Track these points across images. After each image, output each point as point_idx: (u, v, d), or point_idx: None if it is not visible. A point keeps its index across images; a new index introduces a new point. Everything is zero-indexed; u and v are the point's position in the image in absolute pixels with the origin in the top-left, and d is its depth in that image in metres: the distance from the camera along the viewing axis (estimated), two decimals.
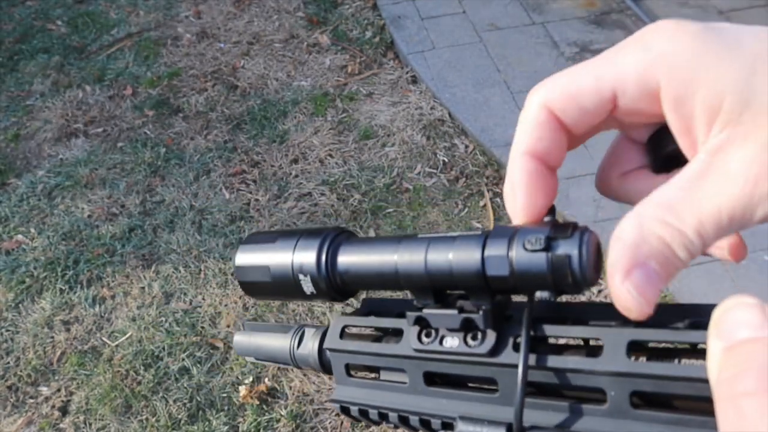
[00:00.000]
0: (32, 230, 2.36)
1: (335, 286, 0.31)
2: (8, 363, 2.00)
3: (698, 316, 0.25)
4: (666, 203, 0.22)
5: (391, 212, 2.31)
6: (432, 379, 0.30)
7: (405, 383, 0.31)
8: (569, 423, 0.26)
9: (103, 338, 2.04)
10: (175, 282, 2.15)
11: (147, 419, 1.84)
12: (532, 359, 0.27)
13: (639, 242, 0.23)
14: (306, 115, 2.69)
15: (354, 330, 0.34)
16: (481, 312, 0.28)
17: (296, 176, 2.46)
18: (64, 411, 1.89)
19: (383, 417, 0.32)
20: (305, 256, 0.31)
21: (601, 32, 2.89)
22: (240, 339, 0.39)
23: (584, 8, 3.02)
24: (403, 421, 0.31)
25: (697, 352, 0.24)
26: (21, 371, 1.98)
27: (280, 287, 0.32)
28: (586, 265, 0.25)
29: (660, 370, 0.24)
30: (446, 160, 2.45)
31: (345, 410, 0.33)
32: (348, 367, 0.33)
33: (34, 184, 2.53)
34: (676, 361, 0.24)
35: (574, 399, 0.26)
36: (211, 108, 2.77)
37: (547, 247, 0.25)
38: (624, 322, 0.25)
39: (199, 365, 1.94)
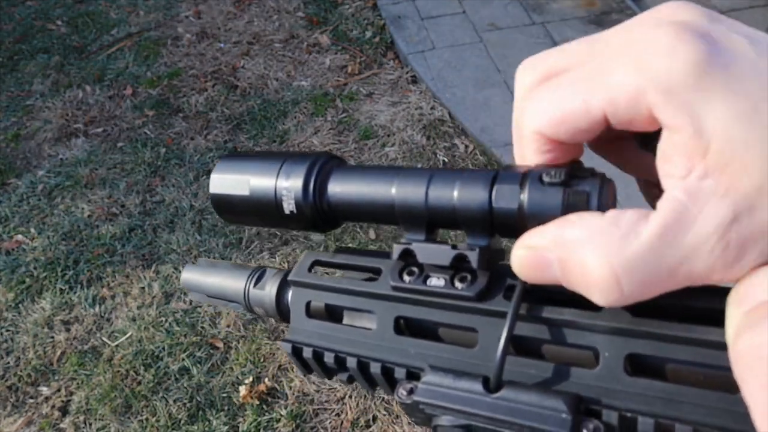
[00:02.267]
0: (32, 230, 2.36)
1: (320, 212, 0.28)
2: (8, 363, 2.00)
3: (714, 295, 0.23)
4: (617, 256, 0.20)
5: None
6: (401, 329, 0.28)
7: (370, 329, 0.28)
8: (553, 384, 0.23)
9: (103, 338, 2.04)
10: (175, 282, 2.15)
11: (147, 419, 1.84)
12: (524, 309, 0.24)
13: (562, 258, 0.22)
14: (306, 115, 2.70)
15: (329, 264, 0.32)
16: (477, 249, 0.25)
17: None
18: (64, 411, 1.90)
19: (340, 363, 0.29)
20: (292, 178, 0.28)
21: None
22: (189, 274, 0.36)
23: (584, 8, 3.02)
24: (362, 368, 0.28)
25: (710, 320, 0.21)
26: (21, 371, 1.98)
27: (258, 205, 0.29)
28: (605, 207, 0.22)
29: (665, 329, 0.22)
30: (446, 160, 2.46)
31: (297, 352, 0.30)
32: (309, 307, 0.30)
33: (34, 184, 2.53)
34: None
35: (561, 362, 0.24)
36: (211, 108, 2.77)
37: (566, 182, 0.23)
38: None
39: (199, 365, 1.94)
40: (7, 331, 2.08)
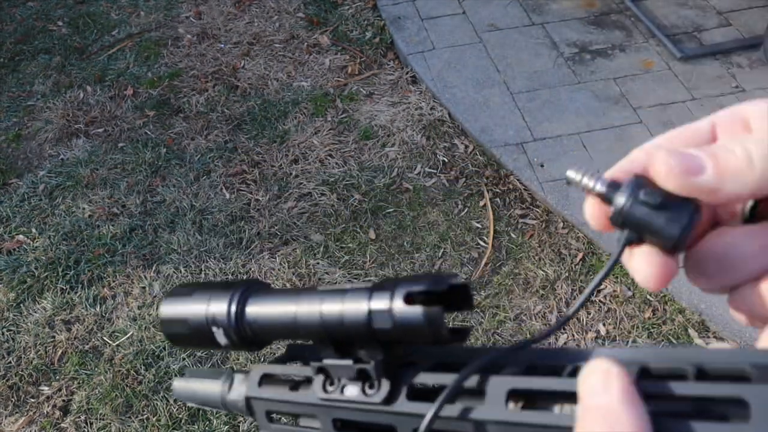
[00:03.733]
0: (33, 230, 2.36)
1: (246, 337, 0.32)
2: (9, 362, 2.01)
3: (579, 360, 0.26)
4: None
5: (391, 212, 2.32)
6: (341, 425, 0.32)
7: (319, 429, 0.32)
8: None
9: (104, 338, 2.04)
10: (176, 282, 2.16)
11: (148, 419, 1.85)
12: (420, 408, 0.28)
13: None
14: (306, 116, 2.70)
15: (276, 376, 0.36)
16: (372, 362, 0.29)
17: (296, 176, 2.46)
18: (65, 410, 1.90)
19: None
20: (217, 308, 0.32)
21: (600, 33, 2.89)
22: (178, 385, 0.40)
23: (584, 9, 3.02)
24: None
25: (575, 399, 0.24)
26: (22, 371, 1.98)
27: (198, 338, 0.33)
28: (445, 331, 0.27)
29: (535, 418, 0.24)
30: (446, 160, 2.46)
31: None
32: (269, 414, 0.35)
33: (36, 184, 2.53)
34: (557, 408, 0.25)
35: None
36: (211, 108, 2.78)
37: (424, 301, 0.26)
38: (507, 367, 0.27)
39: (199, 365, 1.95)
40: (9, 330, 2.09)
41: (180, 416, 1.84)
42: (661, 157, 0.25)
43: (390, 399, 0.29)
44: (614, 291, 2.02)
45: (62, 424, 1.87)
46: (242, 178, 2.47)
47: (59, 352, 2.02)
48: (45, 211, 2.44)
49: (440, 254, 2.17)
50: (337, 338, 0.29)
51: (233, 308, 0.31)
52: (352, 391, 0.30)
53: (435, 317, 0.26)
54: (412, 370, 0.29)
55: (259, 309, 0.31)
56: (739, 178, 0.24)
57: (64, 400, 1.92)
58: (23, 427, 1.87)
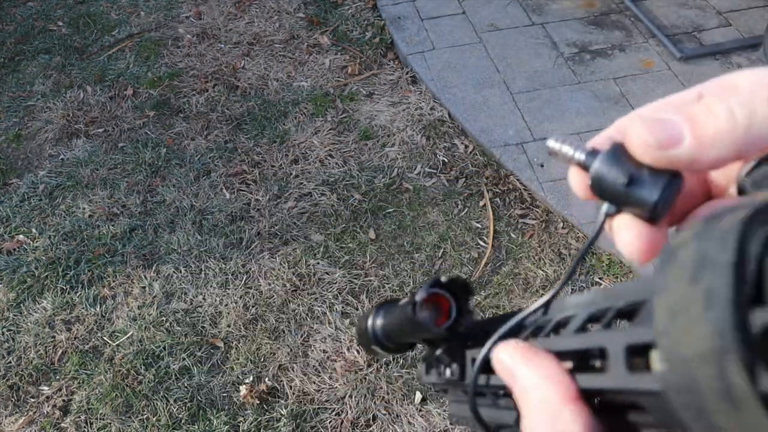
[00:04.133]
0: (33, 230, 2.36)
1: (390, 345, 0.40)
2: (10, 362, 2.01)
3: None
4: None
5: (391, 212, 2.32)
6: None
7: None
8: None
9: (104, 338, 2.04)
10: (176, 282, 2.16)
11: (148, 419, 1.85)
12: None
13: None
14: (306, 116, 2.70)
15: None
16: (441, 352, 0.36)
17: (296, 176, 2.46)
18: (65, 410, 1.90)
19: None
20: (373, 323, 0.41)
21: (600, 33, 2.89)
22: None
23: (583, 9, 3.03)
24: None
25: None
26: (22, 371, 1.98)
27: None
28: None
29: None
30: (446, 160, 2.46)
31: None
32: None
33: (36, 184, 2.53)
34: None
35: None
36: (211, 108, 2.78)
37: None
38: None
39: (199, 365, 1.95)
40: (9, 330, 2.09)
41: (180, 416, 1.84)
42: (636, 129, 0.23)
43: (462, 375, 0.34)
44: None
45: (62, 424, 1.87)
46: (242, 178, 2.48)
47: (59, 352, 2.02)
48: (45, 211, 2.44)
49: (440, 254, 2.17)
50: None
51: (369, 324, 0.40)
52: (448, 372, 0.36)
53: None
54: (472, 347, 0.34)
55: (380, 322, 0.40)
56: (721, 142, 0.22)
57: (64, 400, 1.92)
58: (23, 427, 1.87)
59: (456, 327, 0.33)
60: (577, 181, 0.27)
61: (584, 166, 0.26)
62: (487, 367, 0.29)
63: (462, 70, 2.76)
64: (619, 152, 0.25)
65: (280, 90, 2.83)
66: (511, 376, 0.26)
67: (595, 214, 2.27)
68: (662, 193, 0.23)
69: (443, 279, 0.33)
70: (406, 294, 2.06)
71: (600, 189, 0.25)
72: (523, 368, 0.25)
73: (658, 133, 0.23)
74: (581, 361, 0.25)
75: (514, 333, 0.29)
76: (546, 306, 0.29)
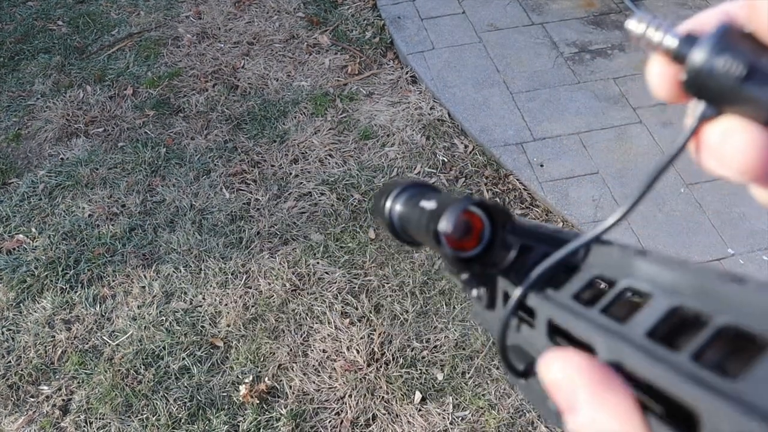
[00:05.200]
0: (33, 230, 2.36)
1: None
2: (9, 362, 2.01)
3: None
4: None
5: None
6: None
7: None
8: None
9: (104, 337, 2.04)
10: (176, 281, 2.16)
11: (147, 418, 1.85)
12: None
13: None
14: (306, 115, 2.70)
15: None
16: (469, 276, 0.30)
17: (296, 176, 2.46)
18: (64, 410, 1.90)
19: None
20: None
21: (600, 33, 2.89)
22: None
23: (583, 9, 3.03)
24: None
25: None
26: (22, 370, 1.98)
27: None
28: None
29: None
30: (446, 159, 2.46)
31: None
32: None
33: (35, 183, 2.53)
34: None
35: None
36: (211, 108, 2.78)
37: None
38: None
39: (199, 364, 1.95)
40: (8, 330, 2.09)
41: (180, 415, 1.85)
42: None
43: (490, 303, 0.30)
44: None
45: (62, 424, 1.87)
46: (242, 178, 2.48)
47: (59, 352, 2.02)
48: (45, 210, 2.44)
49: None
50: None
51: (388, 205, 0.34)
52: (475, 293, 0.31)
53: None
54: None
55: (398, 209, 0.34)
56: None
57: (63, 400, 1.92)
58: (23, 427, 1.87)
59: (484, 258, 0.27)
60: (662, 77, 0.21)
61: (677, 55, 0.20)
62: (522, 306, 0.26)
63: (462, 70, 2.76)
64: (729, 35, 0.19)
65: (280, 90, 2.83)
66: (564, 399, 0.20)
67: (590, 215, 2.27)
68: None
69: (482, 199, 0.27)
70: (405, 288, 2.06)
71: (700, 85, 0.19)
72: (588, 401, 0.19)
73: None
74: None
75: (558, 269, 0.24)
76: (597, 238, 0.24)
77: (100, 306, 2.12)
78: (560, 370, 0.20)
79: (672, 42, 0.20)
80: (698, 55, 0.19)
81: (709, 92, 0.19)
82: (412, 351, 1.94)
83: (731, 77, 0.18)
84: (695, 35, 0.20)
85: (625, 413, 0.18)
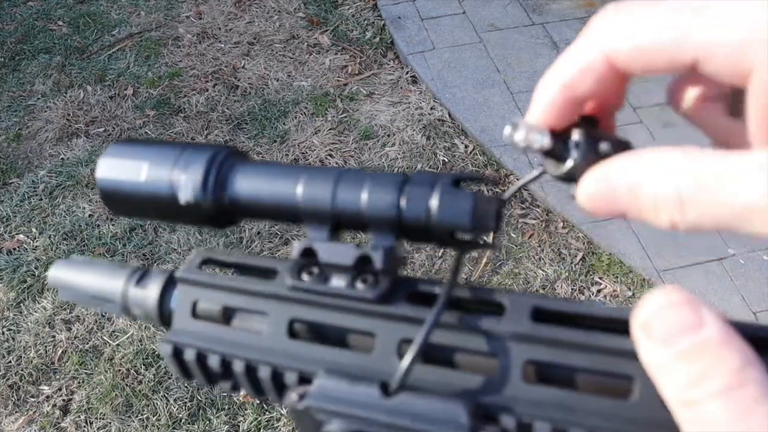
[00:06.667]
0: (33, 230, 2.36)
1: (219, 206, 0.26)
2: (10, 362, 2.01)
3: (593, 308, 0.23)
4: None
5: None
6: (295, 333, 0.26)
7: (261, 332, 0.26)
8: (452, 391, 0.23)
9: (104, 337, 2.04)
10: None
11: (148, 418, 1.85)
12: (426, 312, 0.23)
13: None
14: (306, 115, 2.70)
15: (225, 263, 0.30)
16: (381, 250, 0.25)
17: None
18: (65, 410, 1.90)
19: (225, 366, 0.26)
20: (191, 169, 0.26)
21: None
22: (59, 271, 0.32)
23: (584, 9, 3.03)
24: (250, 373, 0.26)
25: (608, 329, 0.22)
26: (22, 370, 1.99)
27: (152, 194, 0.27)
28: (499, 216, 0.25)
29: (565, 335, 0.22)
30: (446, 160, 2.46)
31: (177, 354, 0.27)
32: (195, 307, 0.28)
33: (36, 183, 2.54)
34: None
35: (462, 369, 0.24)
36: (211, 108, 2.78)
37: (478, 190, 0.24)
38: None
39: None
40: (9, 330, 2.09)
41: (180, 416, 1.85)
42: (582, 193, 0.23)
43: (386, 297, 0.24)
44: (614, 291, 2.02)
45: (62, 424, 1.87)
46: None
47: (59, 352, 2.02)
48: (45, 210, 2.44)
49: (440, 254, 2.17)
50: (346, 219, 0.25)
51: (212, 175, 0.26)
52: (338, 282, 0.25)
53: (484, 206, 0.23)
54: (412, 280, 0.25)
55: (248, 180, 0.26)
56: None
57: (64, 400, 1.92)
58: (23, 427, 1.87)
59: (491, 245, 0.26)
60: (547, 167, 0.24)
61: (552, 154, 0.23)
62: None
63: (462, 70, 2.76)
64: (592, 133, 0.23)
65: (281, 90, 2.83)
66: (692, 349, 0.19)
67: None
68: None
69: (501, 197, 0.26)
70: None
71: (573, 176, 0.23)
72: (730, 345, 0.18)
73: (598, 207, 0.22)
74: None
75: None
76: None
77: None
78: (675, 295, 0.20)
79: (548, 144, 0.23)
80: (574, 159, 0.22)
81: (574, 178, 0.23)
82: None
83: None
84: (563, 134, 0.23)
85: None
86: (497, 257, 2.15)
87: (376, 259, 0.24)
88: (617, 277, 2.05)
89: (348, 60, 2.94)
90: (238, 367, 0.26)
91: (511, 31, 2.94)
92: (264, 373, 0.25)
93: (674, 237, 2.11)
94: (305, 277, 0.25)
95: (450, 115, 2.62)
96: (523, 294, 0.23)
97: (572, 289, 2.04)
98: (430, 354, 0.24)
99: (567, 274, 2.07)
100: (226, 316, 0.28)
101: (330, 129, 2.63)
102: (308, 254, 0.26)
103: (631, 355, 0.20)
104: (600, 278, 2.06)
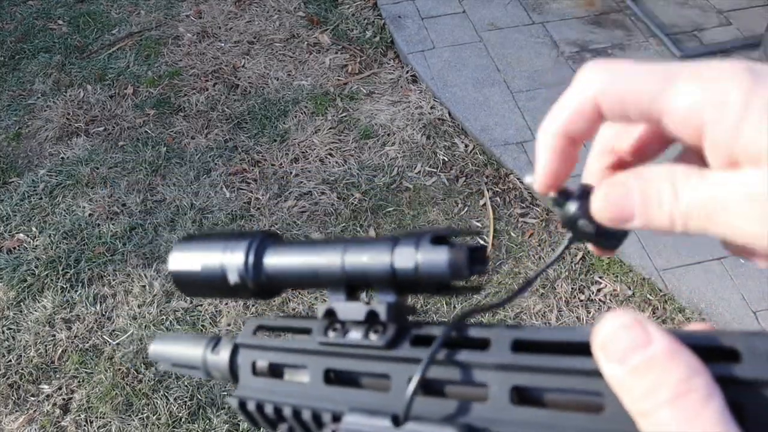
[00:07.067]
0: (34, 229, 2.36)
1: (260, 283, 0.33)
2: (10, 361, 2.01)
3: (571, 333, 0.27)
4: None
5: (391, 211, 2.32)
6: (331, 378, 0.32)
7: (305, 382, 0.32)
8: (450, 417, 0.27)
9: (104, 336, 2.04)
10: None
11: (148, 417, 1.85)
12: (425, 353, 0.28)
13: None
14: (306, 115, 2.70)
15: (273, 328, 0.37)
16: (385, 304, 0.30)
17: (297, 175, 2.46)
18: (65, 409, 1.90)
19: (278, 411, 0.33)
20: (235, 255, 0.33)
21: (600, 32, 2.89)
22: (157, 347, 0.40)
23: (584, 8, 3.02)
24: (296, 416, 0.32)
25: (580, 352, 0.25)
26: (22, 369, 1.99)
27: (208, 279, 0.34)
28: (482, 262, 0.29)
29: (542, 361, 0.25)
30: (446, 159, 2.46)
31: (242, 406, 0.34)
32: (254, 366, 0.35)
33: (36, 183, 2.53)
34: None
35: (458, 398, 0.28)
36: (211, 107, 2.78)
37: (451, 243, 0.29)
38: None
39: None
40: (9, 329, 2.09)
41: (180, 415, 1.85)
42: (595, 203, 0.27)
43: (393, 343, 0.29)
44: (614, 290, 2.02)
45: (62, 423, 1.87)
46: (242, 177, 2.48)
47: (59, 351, 2.02)
48: (45, 209, 2.44)
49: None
50: (355, 282, 0.30)
51: (251, 259, 0.32)
52: (355, 335, 0.30)
53: (458, 256, 0.27)
54: (418, 325, 0.30)
55: (277, 259, 0.32)
56: (662, 222, 0.24)
57: (64, 399, 1.92)
58: (23, 426, 1.87)
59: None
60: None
61: (557, 203, 0.30)
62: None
63: (462, 69, 2.76)
64: (588, 196, 0.28)
65: (281, 89, 2.83)
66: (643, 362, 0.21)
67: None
68: (621, 239, 0.29)
69: (475, 244, 0.30)
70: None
71: (571, 226, 0.29)
72: (672, 357, 0.21)
73: (611, 210, 0.26)
74: None
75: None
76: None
77: (100, 305, 2.12)
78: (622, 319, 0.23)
79: (553, 194, 0.29)
80: (570, 208, 0.29)
81: (574, 230, 0.29)
82: None
83: (584, 227, 0.29)
84: (568, 192, 0.29)
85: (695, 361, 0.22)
86: (497, 256, 2.16)
87: (381, 312, 0.30)
88: (617, 276, 2.05)
89: (348, 59, 2.94)
90: (287, 412, 0.32)
91: (511, 30, 2.94)
92: (306, 415, 0.31)
93: (675, 237, 2.11)
94: (330, 333, 0.31)
95: (450, 114, 2.62)
96: (505, 328, 0.27)
97: (572, 288, 2.04)
98: (431, 387, 0.29)
99: (567, 273, 2.07)
100: (278, 371, 0.34)
101: (330, 128, 2.63)
102: (331, 314, 0.32)
103: (598, 374, 0.23)
104: (600, 277, 2.06)
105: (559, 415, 0.25)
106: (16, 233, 2.36)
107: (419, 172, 2.43)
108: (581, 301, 2.01)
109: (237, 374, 0.36)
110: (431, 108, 2.65)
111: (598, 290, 2.04)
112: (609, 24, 2.93)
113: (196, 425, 1.82)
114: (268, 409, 0.33)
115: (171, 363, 0.40)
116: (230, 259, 0.33)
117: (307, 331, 0.33)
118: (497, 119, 2.53)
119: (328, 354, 0.31)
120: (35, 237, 2.34)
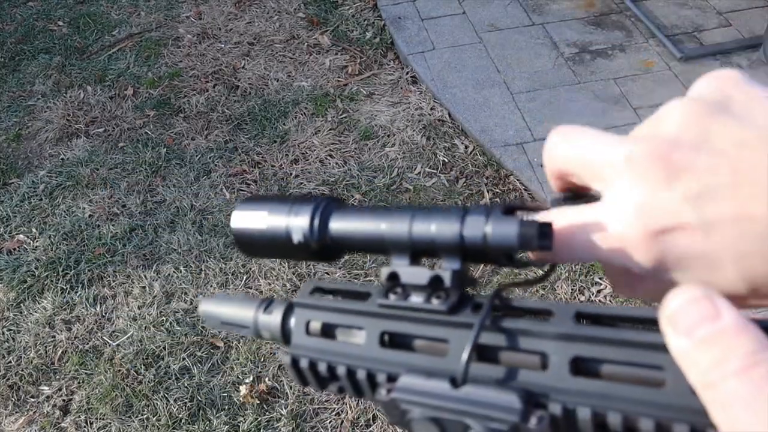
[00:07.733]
0: (34, 230, 2.36)
1: (324, 245, 0.33)
2: (10, 362, 2.01)
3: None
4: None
5: None
6: (385, 343, 0.32)
7: (360, 344, 0.33)
8: (508, 383, 0.28)
9: (104, 338, 2.04)
10: (176, 282, 2.16)
11: (148, 418, 1.85)
12: (486, 320, 0.29)
13: None
14: (306, 116, 2.70)
15: (332, 290, 0.37)
16: (450, 271, 0.30)
17: (297, 176, 2.46)
18: (65, 410, 1.90)
19: (331, 370, 0.33)
20: (300, 216, 0.33)
21: (600, 33, 2.89)
22: (206, 305, 0.41)
23: (583, 9, 3.03)
24: (350, 375, 0.32)
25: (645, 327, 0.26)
26: (22, 370, 1.99)
27: (272, 237, 0.35)
28: (548, 237, 0.29)
29: (604, 333, 0.26)
30: (446, 160, 2.46)
31: (295, 363, 0.35)
32: (308, 325, 0.35)
33: (36, 184, 2.54)
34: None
35: (516, 365, 0.28)
36: (211, 108, 2.78)
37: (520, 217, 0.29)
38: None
39: (199, 365, 1.95)
40: (9, 330, 2.09)
41: (180, 416, 1.85)
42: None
43: (455, 309, 0.30)
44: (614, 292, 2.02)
45: (62, 424, 1.87)
46: (242, 178, 2.48)
47: (59, 352, 2.02)
48: (45, 210, 2.44)
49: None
50: (421, 248, 0.31)
51: (316, 221, 0.33)
52: (417, 298, 0.31)
53: (527, 228, 0.28)
54: (477, 296, 0.31)
55: (343, 223, 0.33)
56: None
57: (64, 400, 1.92)
58: (23, 427, 1.87)
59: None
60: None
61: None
62: None
63: (462, 70, 2.76)
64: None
65: (281, 90, 2.83)
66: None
67: None
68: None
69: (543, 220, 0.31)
70: None
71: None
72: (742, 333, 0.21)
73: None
74: None
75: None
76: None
77: (100, 306, 2.12)
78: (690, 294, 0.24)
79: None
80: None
81: None
82: None
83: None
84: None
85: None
86: None
87: (445, 278, 0.30)
88: None
89: (348, 60, 2.94)
90: (341, 371, 0.33)
91: (511, 31, 2.94)
92: (361, 375, 0.32)
93: None
94: (391, 296, 0.31)
95: (450, 116, 2.62)
96: (567, 303, 0.28)
97: (572, 289, 2.04)
98: (489, 353, 0.29)
99: (567, 274, 2.07)
100: (332, 331, 0.35)
101: (330, 129, 2.63)
102: (393, 278, 0.32)
103: (662, 348, 0.23)
104: (600, 278, 2.06)
105: (618, 387, 0.25)
106: (16, 234, 2.36)
107: (419, 173, 2.43)
108: (581, 302, 2.01)
109: (287, 334, 0.36)
110: (431, 109, 2.65)
111: (598, 291, 2.04)
112: (609, 25, 2.93)
113: (196, 426, 1.82)
114: (321, 368, 0.33)
115: (220, 321, 0.40)
116: (295, 221, 0.33)
117: (364, 296, 0.33)
118: (497, 120, 2.53)
119: (386, 317, 0.32)
120: (35, 238, 2.34)
